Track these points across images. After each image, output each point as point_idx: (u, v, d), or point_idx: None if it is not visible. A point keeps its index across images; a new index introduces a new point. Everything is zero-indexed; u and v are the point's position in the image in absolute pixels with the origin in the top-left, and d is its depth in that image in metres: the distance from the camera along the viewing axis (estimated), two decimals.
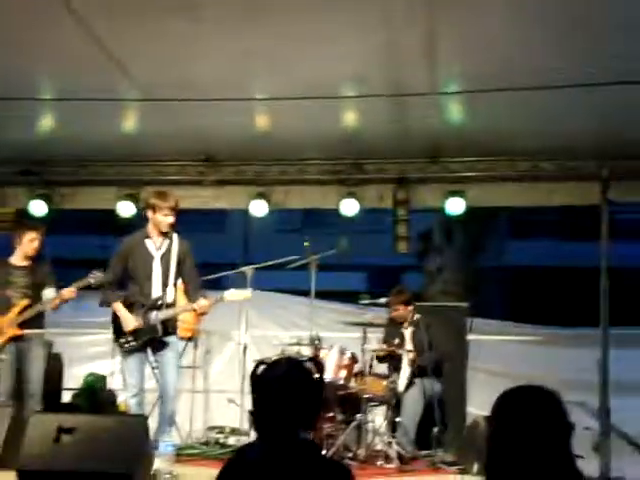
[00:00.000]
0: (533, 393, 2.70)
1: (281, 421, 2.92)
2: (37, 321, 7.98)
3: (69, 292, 7.80)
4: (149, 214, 7.28)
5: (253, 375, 3.04)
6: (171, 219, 7.19)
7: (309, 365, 3.07)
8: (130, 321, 7.08)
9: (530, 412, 2.63)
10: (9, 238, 9.58)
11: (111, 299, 7.23)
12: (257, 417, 3.00)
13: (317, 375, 3.06)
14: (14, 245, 8.13)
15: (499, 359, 10.73)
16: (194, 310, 7.28)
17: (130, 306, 7.15)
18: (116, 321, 7.23)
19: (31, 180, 10.10)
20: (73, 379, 9.97)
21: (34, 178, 10.07)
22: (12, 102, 8.03)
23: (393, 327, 8.74)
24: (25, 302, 7.93)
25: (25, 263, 8.08)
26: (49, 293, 8.04)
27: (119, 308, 7.16)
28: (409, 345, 8.49)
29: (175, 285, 7.22)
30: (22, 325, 7.87)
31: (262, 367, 3.05)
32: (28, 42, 6.79)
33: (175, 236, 7.26)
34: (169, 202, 7.19)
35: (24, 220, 8.41)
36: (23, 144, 9.29)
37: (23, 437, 6.06)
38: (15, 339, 7.87)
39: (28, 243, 8.04)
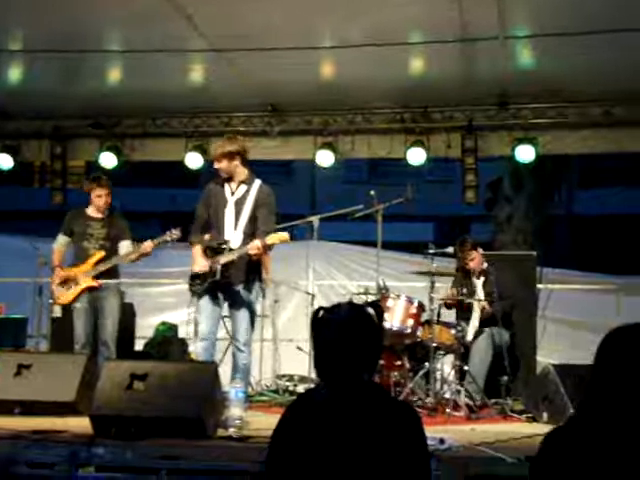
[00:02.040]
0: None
1: (342, 364, 2.92)
2: (112, 272, 8.14)
3: (147, 247, 7.93)
4: None
5: (313, 319, 3.03)
6: (217, 166, 7.15)
7: (370, 309, 3.06)
8: (197, 263, 7.07)
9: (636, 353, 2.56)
10: (80, 191, 9.79)
11: (192, 240, 7.24)
12: (319, 362, 3.00)
13: (377, 319, 3.04)
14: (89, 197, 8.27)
15: (570, 308, 10.65)
16: (248, 253, 6.91)
17: (205, 250, 7.15)
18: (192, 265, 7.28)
19: (101, 133, 10.22)
20: (145, 328, 10.17)
21: (103, 131, 10.19)
22: (81, 54, 8.12)
23: (462, 276, 8.68)
24: (101, 254, 8.07)
25: (101, 215, 8.22)
26: (126, 246, 8.19)
27: (194, 251, 7.16)
28: (479, 294, 8.44)
29: (246, 233, 7.06)
30: (97, 276, 8.02)
31: (322, 312, 3.05)
32: None
33: (257, 182, 7.17)
34: (214, 150, 7.30)
35: (92, 175, 8.47)
36: (92, 97, 9.39)
37: (97, 384, 6.20)
38: (90, 289, 8.03)
39: (96, 199, 8.17)
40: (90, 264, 8.04)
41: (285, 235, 7.02)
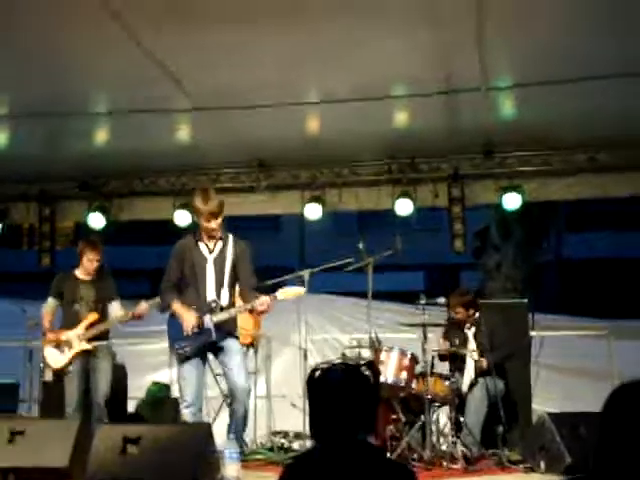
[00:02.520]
0: None
1: (339, 425, 2.92)
2: (103, 333, 8.07)
3: (143, 311, 7.84)
4: (196, 217, 7.02)
5: (309, 381, 3.03)
6: (214, 224, 6.79)
7: (364, 369, 3.06)
8: (191, 318, 6.76)
9: None
10: (68, 252, 9.77)
11: (170, 299, 6.92)
12: (315, 422, 3.00)
13: (372, 379, 3.05)
14: (79, 258, 8.17)
15: (562, 354, 10.62)
16: (248, 311, 6.94)
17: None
18: (172, 327, 6.95)
19: (88, 194, 10.25)
20: (136, 389, 10.08)
21: (91, 192, 10.22)
22: (68, 117, 8.17)
23: (454, 326, 8.67)
24: (94, 316, 8.00)
25: (89, 278, 8.15)
26: (115, 307, 8.14)
27: (178, 307, 6.85)
28: (472, 345, 8.42)
29: (232, 288, 6.92)
30: (90, 339, 7.96)
31: (318, 372, 3.05)
32: (82, 59, 6.90)
33: (231, 237, 6.97)
34: (209, 206, 6.74)
35: (87, 238, 8.41)
36: (79, 158, 9.44)
37: (90, 448, 6.12)
38: (83, 352, 7.95)
39: (87, 262, 8.09)
40: (83, 327, 7.96)
41: (302, 290, 7.04)
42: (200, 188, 7.25)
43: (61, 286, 8.16)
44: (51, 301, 8.17)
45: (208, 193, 6.90)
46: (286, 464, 3.07)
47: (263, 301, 6.69)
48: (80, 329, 7.96)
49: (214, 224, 6.81)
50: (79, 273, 8.18)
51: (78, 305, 8.04)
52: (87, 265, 8.09)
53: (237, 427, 6.64)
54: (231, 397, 6.87)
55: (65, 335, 7.95)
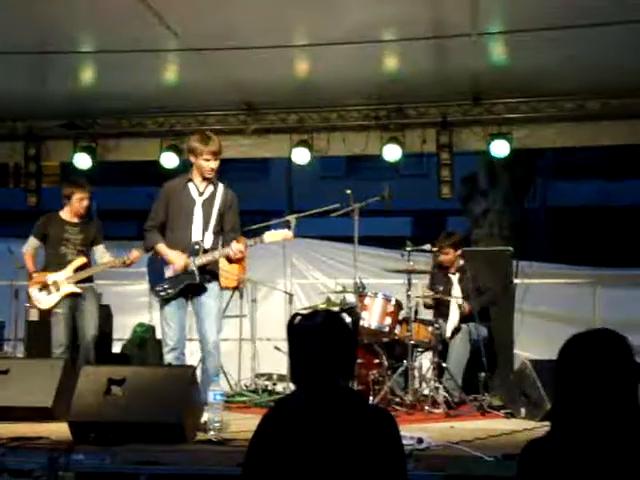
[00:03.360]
0: (601, 337, 2.64)
1: (318, 370, 2.96)
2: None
3: (134, 258, 7.87)
4: (191, 158, 6.91)
5: (289, 326, 3.06)
6: (213, 164, 6.76)
7: (345, 315, 3.10)
8: (179, 258, 6.69)
9: (599, 356, 2.58)
10: (54, 190, 9.73)
11: (155, 240, 6.84)
12: (295, 368, 3.03)
13: (351, 323, 3.09)
14: (63, 200, 8.14)
15: (546, 302, 10.72)
16: (229, 255, 6.79)
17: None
18: (152, 269, 6.95)
19: (75, 133, 10.17)
20: (121, 329, 10.13)
21: (77, 131, 10.14)
22: (54, 56, 8.08)
23: (439, 273, 8.71)
24: (83, 260, 8.00)
25: (77, 220, 8.12)
26: (100, 250, 8.15)
27: (163, 248, 6.79)
28: (457, 291, 8.47)
29: (216, 234, 6.86)
30: (78, 282, 7.96)
31: (298, 318, 3.08)
32: None
33: (221, 185, 6.92)
34: (211, 146, 6.72)
35: (72, 179, 8.33)
36: (66, 98, 9.34)
37: (74, 389, 6.16)
38: (70, 295, 7.96)
39: (77, 202, 8.05)
40: (71, 269, 7.96)
41: (289, 233, 6.97)
42: (199, 132, 7.25)
43: (46, 227, 8.12)
44: (33, 241, 8.14)
45: (209, 135, 6.94)
46: (267, 409, 3.10)
47: (236, 249, 6.66)
48: (68, 271, 7.96)
49: (213, 164, 6.78)
50: (65, 215, 8.14)
51: (64, 247, 8.02)
52: (77, 205, 8.04)
53: (209, 378, 6.58)
54: (202, 350, 6.79)
55: (52, 277, 7.94)
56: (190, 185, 6.87)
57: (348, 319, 3.13)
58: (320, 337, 2.99)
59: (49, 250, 8.11)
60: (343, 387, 3.03)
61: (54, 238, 8.06)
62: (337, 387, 2.97)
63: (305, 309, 9.19)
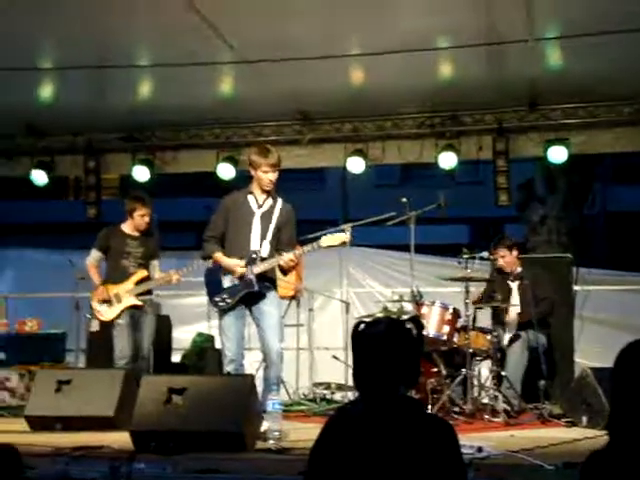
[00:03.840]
0: None
1: (381, 379, 2.95)
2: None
3: (174, 281, 8.13)
4: (251, 171, 7.00)
5: (353, 334, 3.06)
6: (272, 176, 6.83)
7: (409, 324, 3.08)
8: (237, 264, 6.76)
9: None
10: (113, 203, 9.88)
11: (213, 250, 6.92)
12: (357, 375, 3.03)
13: (416, 333, 3.06)
14: (127, 214, 8.29)
15: (606, 309, 10.56)
16: (280, 264, 6.83)
17: None
18: (210, 279, 7.00)
19: (133, 146, 10.31)
20: (181, 340, 10.22)
21: (136, 144, 10.28)
22: (112, 70, 8.21)
23: (499, 280, 8.62)
24: (144, 272, 8.18)
25: (137, 233, 8.28)
26: (155, 266, 8.32)
27: (221, 257, 6.87)
28: (516, 299, 8.39)
29: (272, 245, 6.89)
30: (139, 294, 8.13)
31: (362, 326, 3.08)
32: (125, 10, 6.89)
33: (280, 200, 6.99)
34: (270, 159, 6.81)
35: (135, 194, 8.43)
36: (124, 111, 9.48)
37: (136, 398, 6.24)
38: (131, 307, 8.12)
39: (139, 218, 8.21)
40: (133, 282, 8.13)
41: (345, 236, 6.98)
42: (258, 145, 7.42)
43: (108, 240, 8.30)
44: (96, 254, 8.32)
45: (267, 147, 7.08)
46: (328, 418, 3.10)
47: (287, 258, 6.72)
48: (130, 284, 8.13)
49: (272, 176, 6.85)
50: (126, 228, 8.30)
51: (126, 260, 8.19)
52: (138, 221, 8.22)
53: (270, 387, 6.63)
54: (264, 358, 6.83)
55: (114, 289, 8.10)
56: (250, 197, 6.94)
57: (413, 329, 3.10)
58: (383, 344, 2.98)
59: (110, 262, 8.27)
60: (403, 396, 3.02)
61: (115, 251, 8.22)
62: (397, 395, 2.96)
63: (365, 317, 9.20)
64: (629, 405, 2.54)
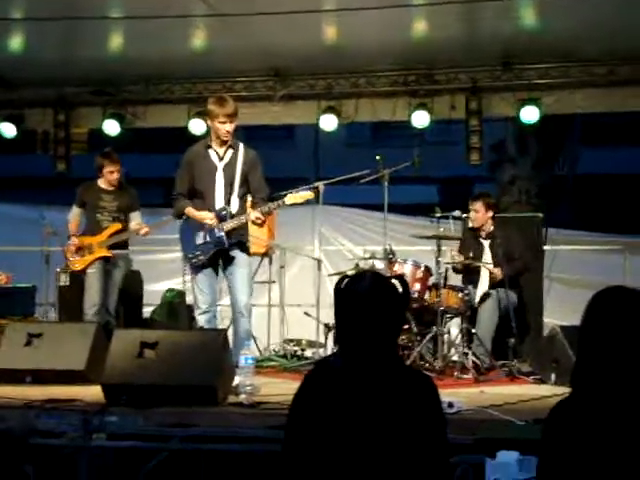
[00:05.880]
0: (628, 294, 2.62)
1: (364, 335, 2.92)
2: (122, 242, 8.43)
3: (143, 232, 8.31)
4: (208, 122, 6.92)
5: (337, 289, 3.01)
6: (229, 126, 6.65)
7: (394, 281, 3.04)
8: (209, 213, 6.70)
9: (625, 313, 2.56)
10: (83, 157, 9.82)
11: (183, 206, 6.84)
12: (339, 330, 3.00)
13: (402, 291, 3.02)
14: (97, 170, 8.40)
15: (575, 268, 10.67)
16: (254, 220, 6.71)
17: None
18: (184, 236, 6.95)
19: (104, 100, 10.21)
20: (152, 295, 10.20)
21: (106, 98, 10.17)
22: (83, 22, 8.09)
23: (470, 238, 8.64)
24: (117, 225, 8.33)
25: (112, 187, 8.42)
26: (136, 217, 8.44)
27: (192, 211, 6.81)
28: (487, 257, 8.44)
29: (243, 197, 6.83)
30: (111, 247, 8.29)
31: (346, 280, 3.02)
32: None
33: (241, 146, 6.83)
34: (226, 109, 6.63)
35: (103, 151, 8.52)
36: (95, 64, 9.37)
37: (107, 352, 6.23)
38: (102, 258, 8.29)
39: (108, 174, 8.36)
40: (105, 235, 8.29)
41: (310, 193, 6.95)
42: (216, 95, 7.27)
43: (84, 195, 8.47)
44: (75, 209, 8.50)
45: (224, 97, 6.93)
46: (307, 372, 3.08)
47: (253, 216, 6.63)
48: (103, 236, 8.29)
49: (228, 126, 6.70)
50: (102, 183, 8.44)
51: (100, 214, 8.34)
52: (108, 177, 8.37)
53: (240, 342, 6.63)
54: (233, 313, 6.82)
55: (88, 240, 8.29)
56: (210, 151, 6.83)
57: (398, 286, 3.06)
58: (369, 300, 2.93)
59: (87, 217, 8.45)
60: (385, 351, 2.98)
61: (90, 206, 8.39)
62: (380, 351, 2.93)
63: (334, 275, 9.22)
64: (596, 354, 2.57)
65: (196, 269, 6.85)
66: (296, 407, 2.94)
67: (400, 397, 2.83)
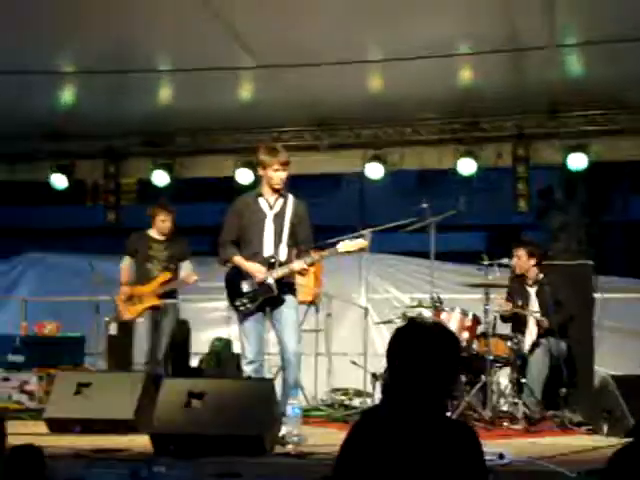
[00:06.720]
0: None
1: (417, 384, 2.89)
2: (172, 292, 8.51)
3: (190, 281, 8.47)
4: (260, 171, 6.85)
5: (398, 337, 2.98)
6: (282, 174, 6.69)
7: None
8: (258, 268, 6.68)
9: None
10: (132, 207, 9.95)
11: (230, 253, 6.83)
12: (393, 379, 2.97)
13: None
14: (150, 220, 8.55)
15: (626, 317, 10.50)
16: (306, 267, 6.74)
17: None
18: (231, 284, 6.89)
19: (153, 151, 10.35)
20: (200, 344, 10.23)
21: (155, 149, 10.32)
22: (134, 74, 8.24)
23: (517, 286, 8.58)
24: (168, 275, 8.41)
25: (162, 237, 8.53)
26: (187, 267, 8.53)
27: (241, 261, 6.74)
28: (534, 305, 8.36)
29: (290, 246, 6.80)
30: (160, 296, 8.35)
31: (408, 329, 3.02)
32: (148, 14, 6.93)
33: (291, 196, 6.86)
34: (280, 157, 6.69)
35: (155, 203, 8.69)
36: (144, 116, 9.53)
37: (155, 402, 6.24)
38: (152, 308, 8.36)
39: (160, 223, 8.49)
40: (155, 284, 8.37)
41: (364, 242, 6.88)
42: (266, 144, 7.34)
43: (135, 244, 8.57)
44: (126, 259, 8.60)
45: (275, 146, 7.01)
46: (353, 423, 3.06)
47: (299, 267, 6.66)
48: (153, 285, 8.36)
49: (282, 174, 6.73)
50: (153, 233, 8.56)
51: (150, 264, 8.44)
52: (160, 226, 8.49)
53: (289, 390, 6.59)
54: (282, 360, 6.76)
55: (138, 290, 8.38)
56: (260, 200, 6.85)
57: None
58: (432, 350, 2.93)
59: (136, 266, 8.53)
60: (431, 402, 2.96)
61: (141, 255, 8.49)
62: (425, 402, 2.91)
63: (382, 323, 9.19)
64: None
65: (243, 318, 6.82)
66: (342, 457, 2.94)
67: (442, 449, 2.81)
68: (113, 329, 9.21)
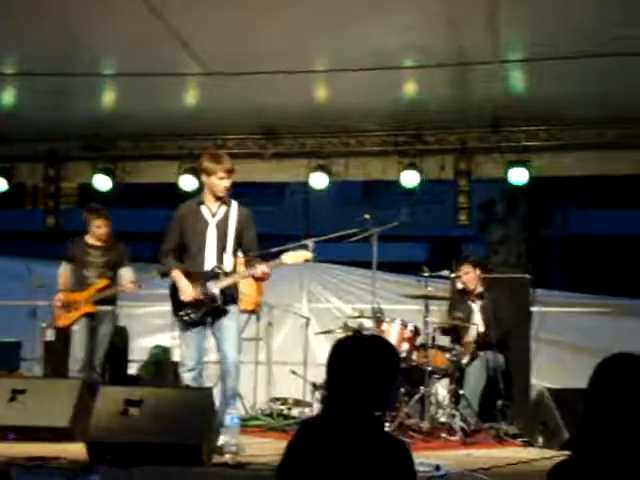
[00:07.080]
0: (635, 361, 2.63)
1: (355, 396, 2.90)
2: (109, 298, 8.40)
3: (128, 288, 8.35)
4: (203, 178, 6.74)
5: (336, 349, 2.99)
6: (227, 182, 6.62)
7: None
8: (188, 290, 6.63)
9: (631, 380, 2.57)
10: (74, 212, 9.83)
11: (170, 266, 6.77)
12: (334, 391, 2.97)
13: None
14: (85, 225, 8.44)
15: (564, 330, 10.64)
16: (252, 277, 6.82)
17: (188, 277, 6.71)
18: (175, 293, 6.81)
19: (94, 155, 10.23)
20: (138, 351, 10.14)
21: (97, 153, 10.20)
22: (76, 78, 8.14)
23: (459, 299, 8.66)
24: (105, 282, 8.31)
25: (100, 243, 8.43)
26: (126, 273, 8.43)
27: (178, 277, 6.68)
28: (477, 317, 8.43)
29: (235, 254, 6.76)
30: (96, 302, 8.26)
31: (346, 341, 3.03)
32: (92, 19, 6.86)
33: (234, 204, 6.80)
34: (223, 164, 6.61)
35: (90, 206, 8.63)
36: (87, 120, 9.42)
37: (91, 409, 6.16)
38: (88, 314, 8.26)
39: (95, 229, 8.39)
40: (92, 291, 8.27)
41: (308, 254, 6.84)
42: (210, 151, 7.29)
43: (72, 251, 8.47)
44: (64, 265, 8.49)
45: (219, 154, 6.94)
46: (292, 435, 3.06)
47: (261, 270, 6.59)
48: (90, 292, 8.27)
49: (226, 182, 6.66)
50: (89, 239, 8.45)
51: (86, 270, 8.34)
52: (95, 232, 8.40)
53: (228, 400, 6.54)
54: (221, 369, 6.73)
55: (74, 296, 8.27)
56: (202, 208, 6.77)
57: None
58: (370, 363, 2.94)
59: (74, 273, 8.42)
60: (364, 414, 2.96)
61: (78, 261, 8.39)
62: (359, 414, 2.92)
63: (322, 333, 9.20)
64: (601, 420, 2.56)
65: (185, 326, 6.76)
66: (281, 468, 2.95)
67: (372, 462, 2.82)
68: (50, 335, 9.08)
